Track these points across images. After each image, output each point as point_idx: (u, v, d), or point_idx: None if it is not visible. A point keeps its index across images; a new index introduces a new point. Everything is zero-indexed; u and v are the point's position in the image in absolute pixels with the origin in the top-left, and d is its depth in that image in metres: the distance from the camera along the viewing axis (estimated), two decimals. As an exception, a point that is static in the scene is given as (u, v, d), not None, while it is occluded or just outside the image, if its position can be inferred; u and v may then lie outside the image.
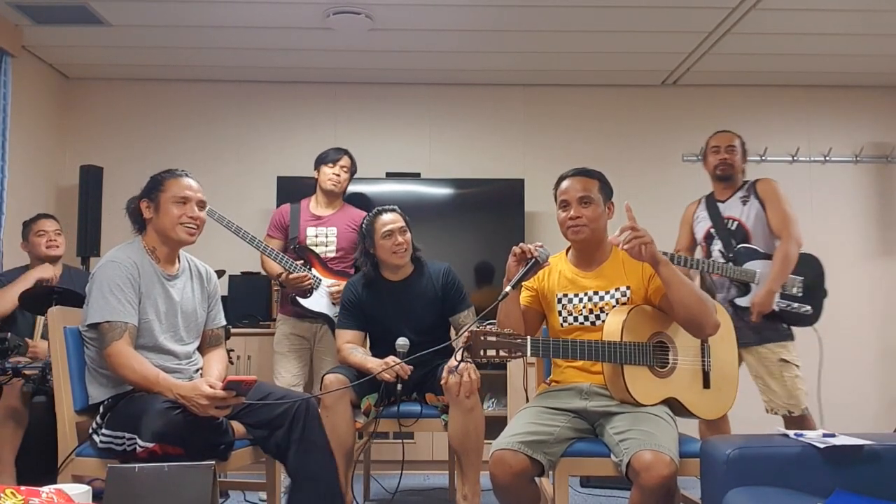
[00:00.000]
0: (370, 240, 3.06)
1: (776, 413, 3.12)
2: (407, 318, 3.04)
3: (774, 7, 3.73)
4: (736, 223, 3.23)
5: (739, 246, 3.19)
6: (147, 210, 2.44)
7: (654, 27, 4.00)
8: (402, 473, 3.21)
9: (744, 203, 3.24)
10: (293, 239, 3.56)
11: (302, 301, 3.45)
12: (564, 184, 2.45)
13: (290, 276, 3.41)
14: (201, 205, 2.48)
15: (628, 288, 2.38)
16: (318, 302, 3.46)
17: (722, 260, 3.20)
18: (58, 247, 3.59)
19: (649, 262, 2.24)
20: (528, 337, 2.23)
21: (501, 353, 2.19)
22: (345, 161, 3.60)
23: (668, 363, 2.35)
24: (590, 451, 2.27)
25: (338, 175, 3.58)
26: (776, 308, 3.11)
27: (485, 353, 2.19)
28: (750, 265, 3.17)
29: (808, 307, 3.16)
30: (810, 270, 3.20)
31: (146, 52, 4.41)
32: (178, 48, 4.35)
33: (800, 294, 3.17)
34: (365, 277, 3.10)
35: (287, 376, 3.52)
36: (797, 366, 3.11)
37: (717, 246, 3.25)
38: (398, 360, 2.83)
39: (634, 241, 2.18)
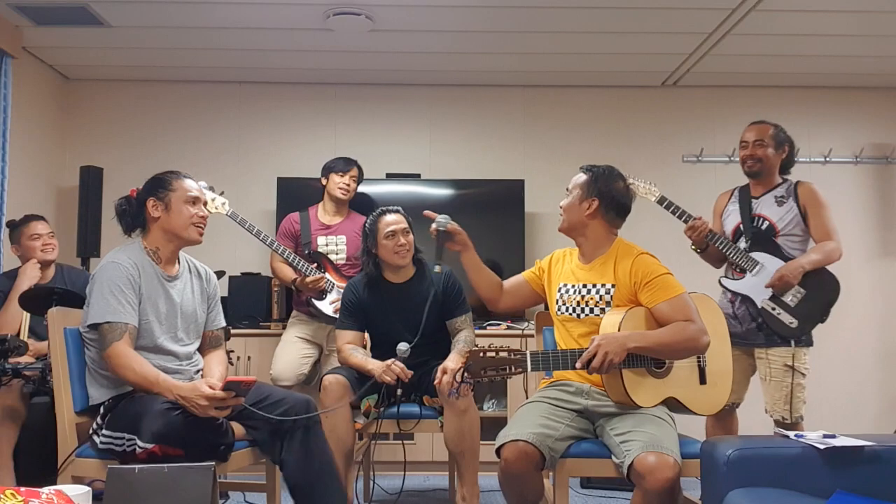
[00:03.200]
0: (372, 239, 3.05)
1: (771, 416, 3.04)
2: (407, 320, 3.03)
3: (774, 8, 3.73)
4: (766, 222, 3.10)
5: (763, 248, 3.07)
6: (155, 209, 2.44)
7: (655, 28, 4.00)
8: (405, 475, 3.21)
9: (779, 204, 3.10)
10: (306, 244, 3.69)
11: (317, 303, 3.60)
12: None
13: (307, 279, 3.53)
14: (204, 205, 2.55)
15: (613, 286, 2.38)
16: (331, 306, 3.59)
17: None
18: (52, 249, 3.56)
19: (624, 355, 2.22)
20: (528, 352, 2.24)
21: (502, 370, 2.19)
22: (354, 171, 3.78)
23: (664, 363, 2.35)
24: (590, 451, 2.27)
25: (347, 185, 3.75)
26: (758, 304, 3.01)
27: (485, 372, 2.19)
28: (758, 256, 3.05)
29: (795, 321, 2.97)
30: (820, 291, 2.99)
31: (146, 53, 4.41)
32: (178, 49, 4.35)
33: (792, 305, 2.99)
34: (367, 277, 3.10)
35: (279, 364, 3.64)
36: (803, 374, 2.97)
37: (743, 244, 3.11)
38: (400, 364, 2.83)
39: (602, 366, 2.18)
